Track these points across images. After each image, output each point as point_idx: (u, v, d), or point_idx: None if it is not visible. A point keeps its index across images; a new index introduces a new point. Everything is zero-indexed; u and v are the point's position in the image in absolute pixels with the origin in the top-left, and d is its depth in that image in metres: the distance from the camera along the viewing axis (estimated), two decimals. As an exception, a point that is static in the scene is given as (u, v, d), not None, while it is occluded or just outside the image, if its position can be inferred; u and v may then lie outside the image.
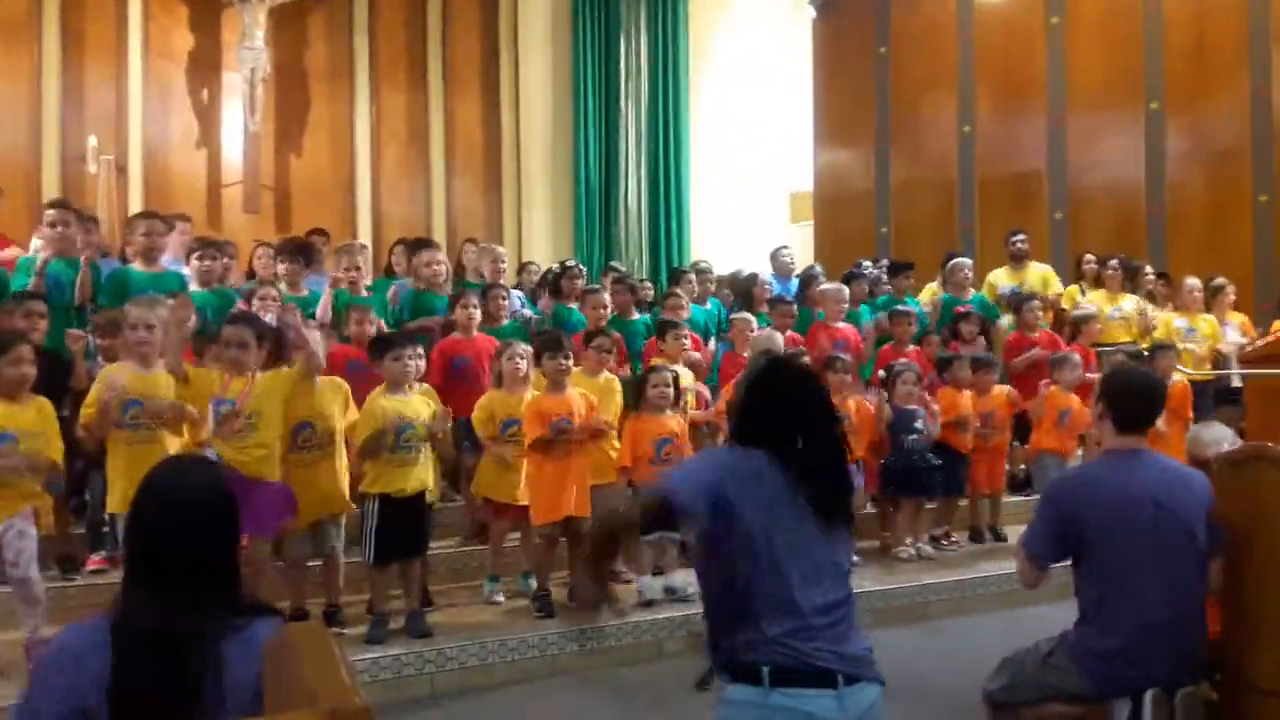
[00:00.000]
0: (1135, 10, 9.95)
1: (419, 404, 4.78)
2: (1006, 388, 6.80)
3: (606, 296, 6.65)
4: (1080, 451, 6.73)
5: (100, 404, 4.29)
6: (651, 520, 2.19)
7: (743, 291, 7.93)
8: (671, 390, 5.34)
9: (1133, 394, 3.07)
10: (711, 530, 2.20)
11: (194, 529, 1.93)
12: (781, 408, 2.33)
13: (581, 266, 7.43)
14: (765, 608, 2.16)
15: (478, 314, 5.95)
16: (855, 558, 2.52)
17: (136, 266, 5.66)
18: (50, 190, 9.59)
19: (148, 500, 1.98)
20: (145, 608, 1.87)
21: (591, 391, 5.33)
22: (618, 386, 5.73)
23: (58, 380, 4.68)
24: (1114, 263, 8.29)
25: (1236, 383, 7.26)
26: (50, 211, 5.69)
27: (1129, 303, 8.09)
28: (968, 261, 8.37)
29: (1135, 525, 2.87)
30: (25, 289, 5.16)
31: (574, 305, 6.94)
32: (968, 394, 6.57)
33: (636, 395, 5.45)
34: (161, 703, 1.79)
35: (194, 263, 5.87)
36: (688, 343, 6.12)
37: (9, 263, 5.78)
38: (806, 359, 5.96)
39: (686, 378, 5.93)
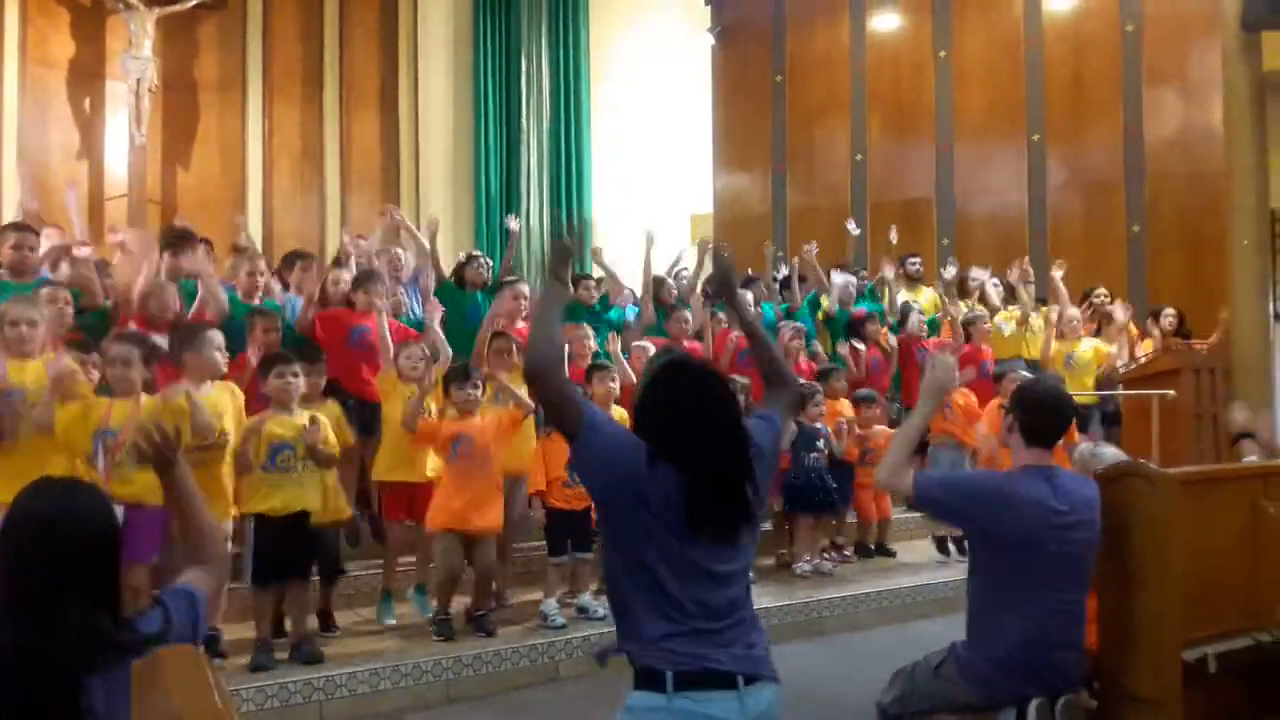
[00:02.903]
0: (1017, 46, 10.40)
1: (301, 423, 4.60)
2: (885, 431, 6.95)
3: (525, 288, 6.49)
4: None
5: None
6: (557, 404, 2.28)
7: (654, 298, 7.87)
8: None
9: (1040, 408, 3.14)
10: (606, 501, 2.26)
11: (72, 558, 1.83)
12: (683, 415, 2.23)
13: (487, 258, 7.34)
14: (662, 613, 2.15)
15: (380, 302, 5.58)
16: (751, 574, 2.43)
17: (4, 279, 5.38)
18: (-85, 200, 9.11)
19: (20, 525, 1.86)
20: (11, 639, 1.77)
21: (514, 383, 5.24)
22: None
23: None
24: (995, 280, 8.62)
25: (1116, 404, 7.59)
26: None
27: (1010, 323, 8.35)
28: (851, 279, 8.57)
29: (1039, 540, 2.94)
30: None
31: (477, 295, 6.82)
32: (847, 403, 6.71)
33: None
34: None
35: (63, 269, 5.61)
36: (615, 387, 5.70)
37: None
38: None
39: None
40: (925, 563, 6.71)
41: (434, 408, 5.24)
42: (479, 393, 5.08)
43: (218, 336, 4.72)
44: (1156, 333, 8.34)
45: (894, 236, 8.97)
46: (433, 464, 5.15)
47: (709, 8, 12.44)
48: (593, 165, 12.67)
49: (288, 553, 4.50)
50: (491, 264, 7.41)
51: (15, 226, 5.78)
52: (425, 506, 5.06)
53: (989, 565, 3.02)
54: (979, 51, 10.67)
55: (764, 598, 5.60)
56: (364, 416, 5.44)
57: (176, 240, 5.98)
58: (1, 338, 4.25)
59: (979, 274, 8.63)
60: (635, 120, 12.77)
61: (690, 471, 2.16)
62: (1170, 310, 8.47)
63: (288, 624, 4.70)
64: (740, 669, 2.15)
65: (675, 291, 7.81)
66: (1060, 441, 3.27)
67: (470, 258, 7.19)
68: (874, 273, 9.41)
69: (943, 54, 10.84)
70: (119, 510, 3.84)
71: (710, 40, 12.39)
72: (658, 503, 2.15)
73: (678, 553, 2.16)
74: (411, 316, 6.42)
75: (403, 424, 4.99)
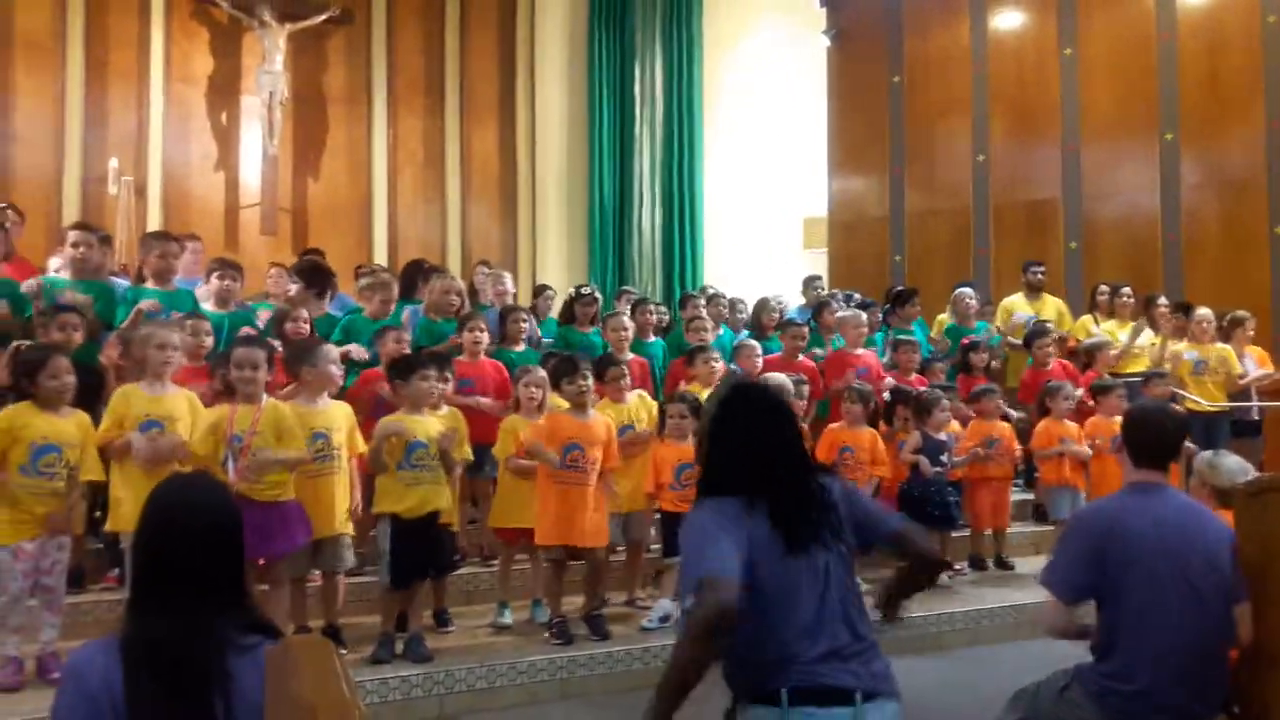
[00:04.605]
0: (1149, 42, 9.97)
1: (434, 424, 4.78)
2: (1008, 426, 6.76)
3: (627, 319, 6.61)
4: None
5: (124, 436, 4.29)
6: (719, 628, 2.06)
7: (754, 317, 7.92)
8: (691, 419, 5.33)
9: (1148, 429, 3.05)
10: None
11: (200, 545, 1.92)
12: (748, 443, 2.30)
13: (597, 292, 7.40)
14: (781, 639, 2.15)
15: (484, 338, 5.93)
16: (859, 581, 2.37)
17: (150, 286, 5.70)
18: (71, 211, 9.72)
19: (154, 516, 1.97)
20: (154, 627, 1.86)
21: (627, 416, 5.39)
22: (651, 402, 5.75)
23: (89, 392, 4.68)
24: (1126, 290, 8.25)
25: (1254, 415, 7.20)
26: (73, 233, 5.75)
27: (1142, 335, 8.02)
28: (970, 291, 8.36)
29: (1158, 561, 2.83)
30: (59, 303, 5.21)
31: (586, 330, 6.94)
32: (956, 424, 6.53)
33: (659, 422, 5.47)
34: None
35: (214, 282, 5.90)
36: (718, 366, 6.04)
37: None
38: (780, 384, 5.90)
39: None
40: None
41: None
42: (589, 384, 5.14)
43: (333, 351, 4.92)
44: None
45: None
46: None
47: (824, 10, 12.30)
48: (705, 170, 12.68)
49: (421, 553, 4.65)
50: (601, 298, 7.45)
51: (159, 236, 6.13)
52: (530, 537, 5.17)
53: (1119, 587, 2.89)
54: (1107, 48, 10.26)
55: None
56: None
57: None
58: (148, 359, 4.48)
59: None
60: (749, 124, 12.73)
61: (772, 500, 2.21)
62: None
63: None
64: (859, 685, 2.13)
65: (777, 315, 7.76)
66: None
67: (580, 293, 7.24)
68: (998, 283, 9.17)
69: (1068, 51, 10.46)
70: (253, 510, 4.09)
71: (826, 42, 12.25)
72: (753, 541, 2.17)
73: (786, 586, 2.17)
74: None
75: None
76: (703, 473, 2.39)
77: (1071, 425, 6.59)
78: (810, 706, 2.10)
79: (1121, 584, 2.87)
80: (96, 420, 4.42)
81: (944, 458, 6.19)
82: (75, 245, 5.59)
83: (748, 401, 2.39)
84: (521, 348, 6.34)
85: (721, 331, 7.68)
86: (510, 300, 7.19)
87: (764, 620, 2.16)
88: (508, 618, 5.18)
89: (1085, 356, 7.63)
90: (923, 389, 6.51)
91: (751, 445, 2.30)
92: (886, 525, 2.44)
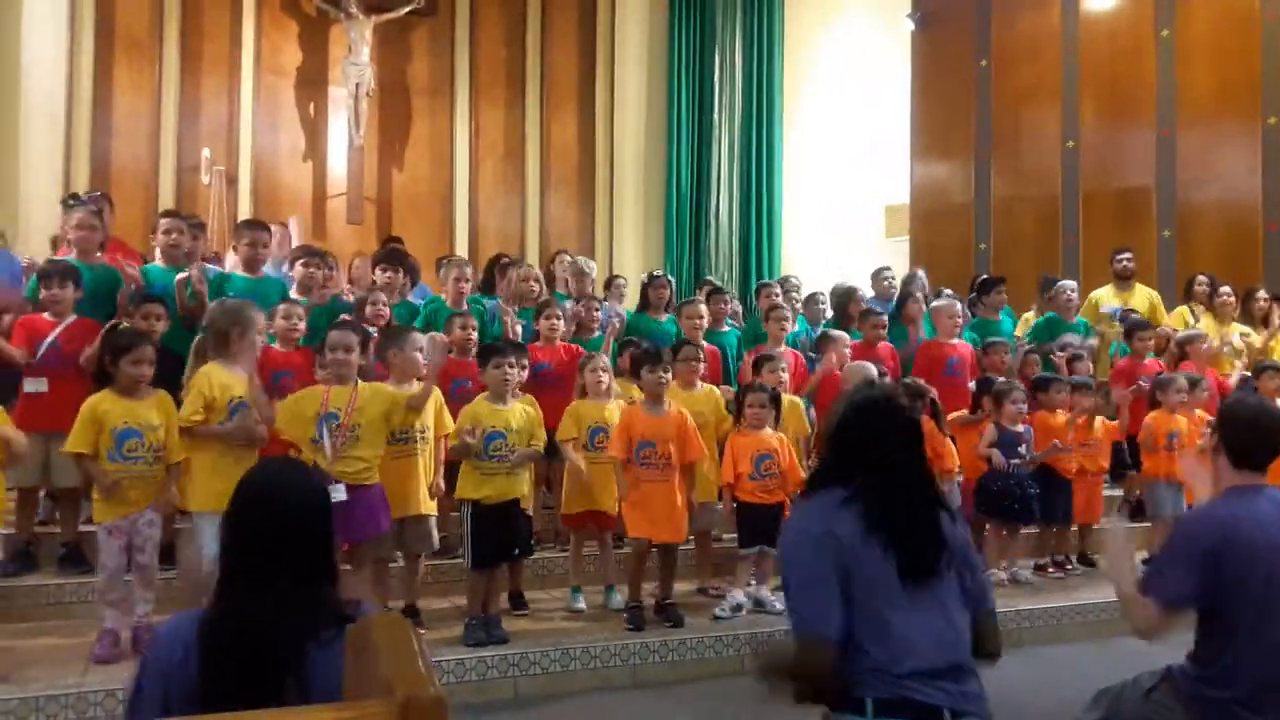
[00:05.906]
0: (1252, 22, 9.55)
1: (515, 414, 4.83)
2: (1102, 419, 6.58)
3: (703, 308, 6.62)
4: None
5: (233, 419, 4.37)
6: (826, 679, 2.13)
7: (839, 306, 7.80)
8: (770, 409, 5.31)
9: (1249, 428, 2.89)
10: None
11: (288, 527, 1.97)
12: (872, 442, 2.32)
13: (669, 277, 7.40)
14: (876, 655, 2.13)
15: (560, 325, 6.01)
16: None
17: (239, 272, 5.86)
18: (166, 200, 10.07)
19: (245, 498, 2.02)
20: (236, 609, 1.91)
21: (691, 405, 5.35)
22: (718, 395, 5.72)
23: (172, 379, 4.81)
24: (1226, 290, 7.96)
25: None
26: (163, 221, 5.93)
27: (1237, 335, 7.74)
28: (1071, 284, 8.11)
29: (1266, 569, 2.69)
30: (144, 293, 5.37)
31: (660, 317, 6.95)
32: (1063, 417, 6.37)
33: (736, 412, 5.45)
34: (244, 701, 1.79)
35: (298, 269, 6.03)
36: (784, 376, 5.95)
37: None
38: (922, 392, 5.80)
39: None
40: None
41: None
42: (669, 376, 5.15)
43: (420, 338, 4.98)
44: None
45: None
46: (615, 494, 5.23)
47: (909, -7, 12.08)
48: (784, 158, 12.57)
49: (500, 536, 4.73)
50: (673, 283, 7.45)
51: (249, 225, 6.28)
52: (606, 521, 5.28)
53: (1225, 596, 2.73)
54: (1207, 29, 9.87)
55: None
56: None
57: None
58: (239, 342, 4.55)
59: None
60: (829, 111, 12.57)
61: (882, 506, 2.21)
62: None
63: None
64: (948, 704, 2.11)
65: (864, 304, 7.64)
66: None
67: (652, 278, 7.24)
68: (1087, 273, 8.89)
69: (1165, 33, 10.09)
70: (341, 489, 4.16)
71: (909, 26, 12.02)
72: (855, 553, 2.18)
73: (885, 599, 2.17)
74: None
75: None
76: (819, 469, 2.42)
77: (1182, 419, 6.40)
78: (895, 719, 2.09)
79: (1231, 594, 2.71)
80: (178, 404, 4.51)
81: (1021, 449, 6.06)
82: (167, 232, 5.77)
83: (880, 417, 2.38)
84: (596, 335, 6.40)
85: (796, 325, 7.58)
86: (590, 290, 7.25)
87: (861, 634, 2.14)
88: (581, 603, 5.23)
89: (1178, 350, 7.38)
90: (999, 379, 6.37)
91: (876, 467, 2.29)
92: (979, 605, 2.36)
